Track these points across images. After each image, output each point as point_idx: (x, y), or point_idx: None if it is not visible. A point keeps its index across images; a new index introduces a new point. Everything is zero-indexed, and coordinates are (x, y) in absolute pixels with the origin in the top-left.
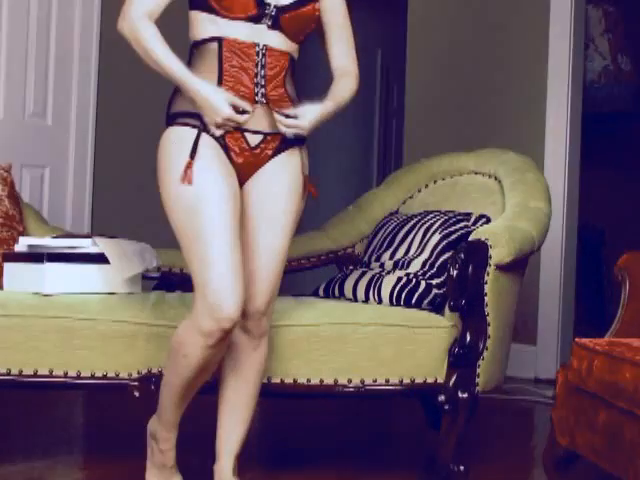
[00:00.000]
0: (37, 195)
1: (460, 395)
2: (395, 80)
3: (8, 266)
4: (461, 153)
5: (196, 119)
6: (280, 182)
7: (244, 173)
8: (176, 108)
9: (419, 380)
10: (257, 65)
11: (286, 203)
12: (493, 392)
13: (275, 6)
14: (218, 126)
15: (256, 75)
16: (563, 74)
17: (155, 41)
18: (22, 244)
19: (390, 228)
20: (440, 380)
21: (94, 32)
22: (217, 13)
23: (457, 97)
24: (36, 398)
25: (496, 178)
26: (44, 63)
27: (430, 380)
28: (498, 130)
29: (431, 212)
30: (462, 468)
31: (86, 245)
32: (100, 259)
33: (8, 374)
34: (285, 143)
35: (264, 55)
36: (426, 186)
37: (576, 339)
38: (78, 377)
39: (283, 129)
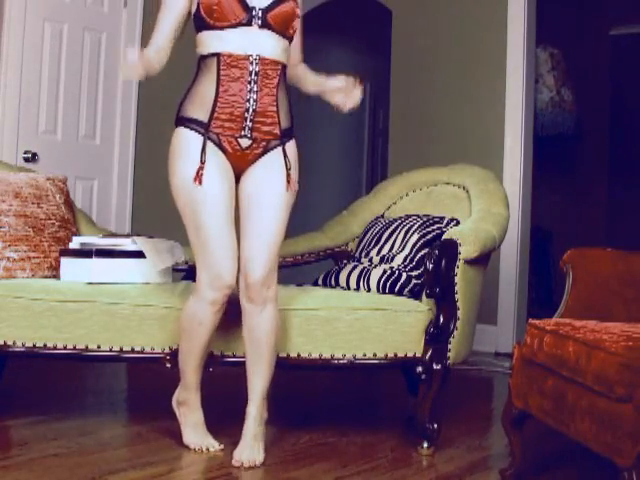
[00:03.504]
0: (87, 202)
1: (435, 367)
2: (381, 106)
3: (64, 260)
4: (436, 167)
5: (200, 126)
6: (272, 173)
7: (238, 167)
8: (184, 113)
9: (401, 354)
10: (250, 73)
11: (279, 190)
12: (462, 364)
13: (260, 8)
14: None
15: (249, 82)
16: (518, 104)
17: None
18: (75, 242)
19: (377, 229)
20: (418, 354)
21: None
22: (215, 27)
23: (432, 121)
24: (85, 369)
25: (464, 188)
26: (94, 95)
27: (410, 354)
28: (466, 148)
29: (411, 216)
30: (435, 426)
31: (127, 243)
32: (138, 255)
33: (65, 348)
34: (270, 146)
35: (257, 64)
36: (407, 194)
37: (529, 320)
38: (120, 351)
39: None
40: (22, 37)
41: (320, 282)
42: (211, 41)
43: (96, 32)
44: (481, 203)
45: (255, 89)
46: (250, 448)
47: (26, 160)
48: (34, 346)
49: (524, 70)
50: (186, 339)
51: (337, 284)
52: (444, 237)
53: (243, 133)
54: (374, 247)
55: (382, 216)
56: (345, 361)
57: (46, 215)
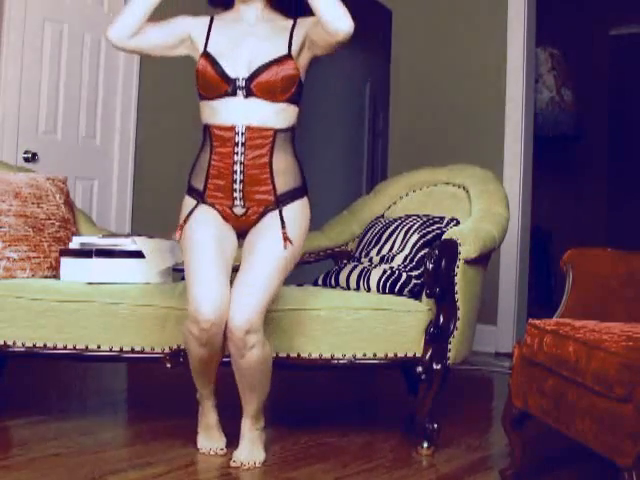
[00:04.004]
0: (88, 202)
1: (435, 366)
2: (381, 107)
3: (64, 260)
4: (436, 167)
5: (198, 195)
6: (268, 230)
7: (240, 227)
8: (190, 181)
9: (401, 354)
10: (237, 144)
11: (272, 242)
12: (462, 364)
13: (243, 78)
14: None
15: (236, 153)
16: (518, 103)
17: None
18: (75, 242)
19: (377, 229)
20: (418, 354)
21: (134, 71)
22: (206, 98)
23: (432, 121)
24: (85, 369)
25: (464, 188)
26: (94, 95)
27: (410, 354)
28: (466, 148)
29: (411, 216)
30: (435, 426)
31: (126, 243)
32: (138, 255)
33: (65, 348)
34: (267, 210)
35: (243, 134)
36: (407, 194)
37: (529, 320)
38: (120, 351)
39: None
40: (22, 37)
41: (320, 282)
42: (205, 111)
43: (96, 32)
44: (481, 203)
45: (242, 160)
46: (249, 450)
47: (26, 160)
48: (34, 346)
49: (524, 70)
50: (187, 353)
51: (337, 284)
52: (444, 237)
53: (235, 203)
54: (374, 247)
55: (382, 216)
56: (345, 361)
57: (46, 215)
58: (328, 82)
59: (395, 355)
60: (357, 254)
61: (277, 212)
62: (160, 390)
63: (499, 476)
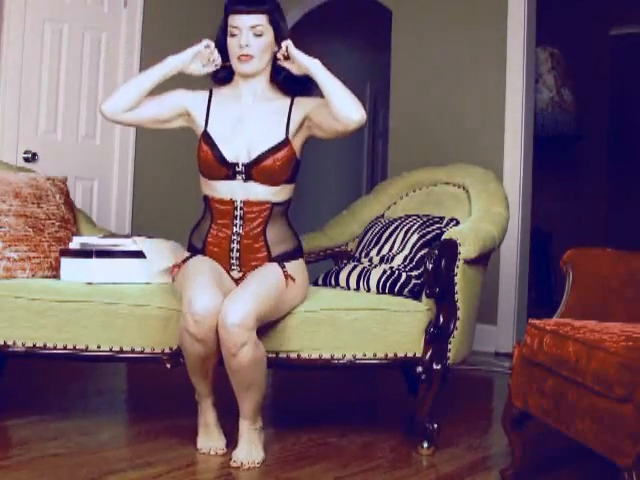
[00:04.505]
0: (88, 202)
1: (434, 367)
2: (381, 107)
3: (64, 260)
4: (435, 167)
5: (196, 251)
6: (269, 266)
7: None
8: (191, 239)
9: (401, 354)
10: (235, 217)
11: (270, 269)
12: (462, 364)
13: (243, 164)
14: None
15: (235, 225)
16: (518, 103)
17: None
18: (75, 242)
19: (377, 229)
20: (418, 354)
21: (134, 71)
22: (207, 177)
23: (432, 121)
24: (85, 369)
25: (464, 188)
26: (94, 95)
27: (410, 354)
28: (466, 148)
29: (411, 216)
30: (435, 426)
31: (127, 243)
32: (138, 255)
33: (65, 348)
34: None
35: (241, 208)
36: (407, 194)
37: (529, 320)
38: (121, 351)
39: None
40: (22, 37)
41: (320, 282)
42: (206, 186)
43: (96, 32)
44: (481, 203)
45: (239, 232)
46: (247, 450)
47: (26, 160)
48: (34, 346)
49: (524, 70)
50: (184, 353)
51: (337, 284)
52: (444, 237)
53: (232, 267)
54: (374, 247)
55: (382, 216)
56: (345, 361)
57: (46, 215)
58: None
59: (395, 355)
60: (357, 254)
61: (275, 263)
62: (160, 390)
63: (499, 476)
